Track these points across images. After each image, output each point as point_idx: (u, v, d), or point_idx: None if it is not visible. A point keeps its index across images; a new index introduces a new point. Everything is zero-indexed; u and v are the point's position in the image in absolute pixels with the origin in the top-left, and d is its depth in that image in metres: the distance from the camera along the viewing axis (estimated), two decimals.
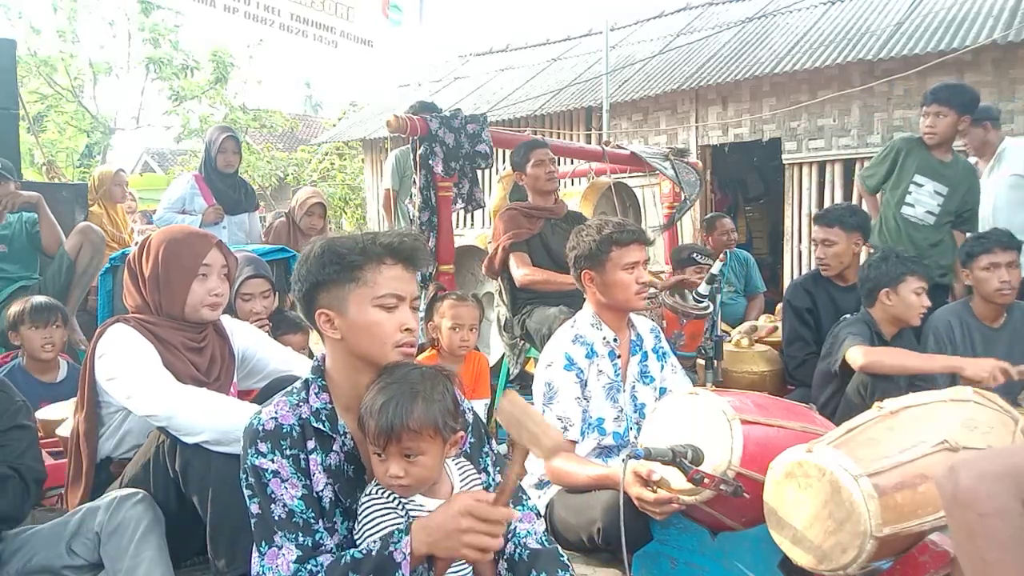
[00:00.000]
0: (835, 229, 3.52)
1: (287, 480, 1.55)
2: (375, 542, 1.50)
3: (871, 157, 6.89)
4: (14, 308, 3.36)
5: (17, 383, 2.37)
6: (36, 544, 1.95)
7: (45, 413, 2.89)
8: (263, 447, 1.56)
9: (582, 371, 2.39)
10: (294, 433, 1.59)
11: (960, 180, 3.89)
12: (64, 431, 2.51)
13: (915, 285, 2.99)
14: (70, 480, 2.20)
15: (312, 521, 1.56)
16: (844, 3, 8.33)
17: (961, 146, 5.31)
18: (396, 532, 1.49)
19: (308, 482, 1.58)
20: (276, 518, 1.54)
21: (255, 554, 1.55)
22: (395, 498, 1.56)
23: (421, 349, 3.50)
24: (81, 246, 4.21)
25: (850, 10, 8.06)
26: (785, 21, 8.52)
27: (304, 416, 1.61)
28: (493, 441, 1.82)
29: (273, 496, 1.55)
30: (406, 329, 1.58)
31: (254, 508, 1.56)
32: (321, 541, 1.56)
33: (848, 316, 3.38)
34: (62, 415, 2.75)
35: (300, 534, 1.54)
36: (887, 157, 3.97)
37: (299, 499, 1.56)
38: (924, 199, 3.84)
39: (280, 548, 1.53)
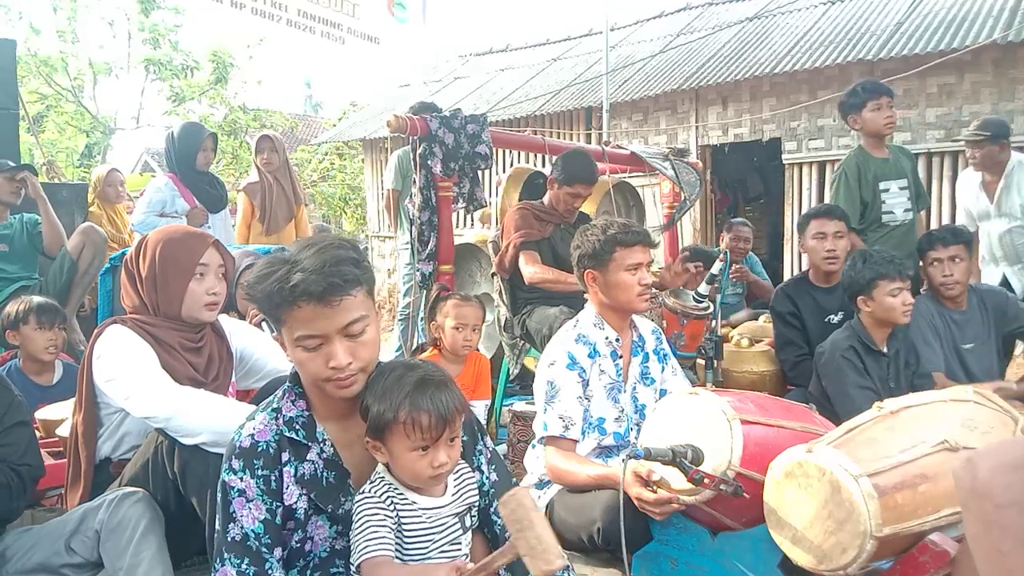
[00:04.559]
0: (842, 223, 3.48)
1: (252, 501, 1.53)
2: None
3: None
4: (14, 307, 3.28)
5: (13, 385, 2.34)
6: (35, 542, 1.95)
7: (45, 413, 2.88)
8: (236, 464, 1.54)
9: (584, 370, 2.39)
10: (270, 450, 1.56)
11: (905, 162, 3.96)
12: (64, 431, 2.50)
13: (889, 287, 2.94)
14: (69, 481, 2.20)
15: (264, 550, 1.52)
16: (844, 3, 8.32)
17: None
18: None
19: (275, 505, 1.55)
20: (229, 538, 1.52)
21: None
22: (388, 498, 1.56)
23: (422, 349, 3.50)
24: (83, 246, 4.21)
25: (850, 10, 8.05)
26: (785, 21, 8.51)
27: (280, 428, 1.59)
28: (488, 439, 1.81)
29: (233, 515, 1.53)
30: (332, 367, 1.50)
31: (216, 523, 1.56)
32: (269, 571, 1.52)
33: (832, 318, 3.45)
34: (62, 415, 2.74)
35: (246, 559, 1.51)
36: (856, 182, 3.83)
37: (260, 522, 1.53)
38: (896, 200, 3.85)
39: (219, 569, 1.52)
